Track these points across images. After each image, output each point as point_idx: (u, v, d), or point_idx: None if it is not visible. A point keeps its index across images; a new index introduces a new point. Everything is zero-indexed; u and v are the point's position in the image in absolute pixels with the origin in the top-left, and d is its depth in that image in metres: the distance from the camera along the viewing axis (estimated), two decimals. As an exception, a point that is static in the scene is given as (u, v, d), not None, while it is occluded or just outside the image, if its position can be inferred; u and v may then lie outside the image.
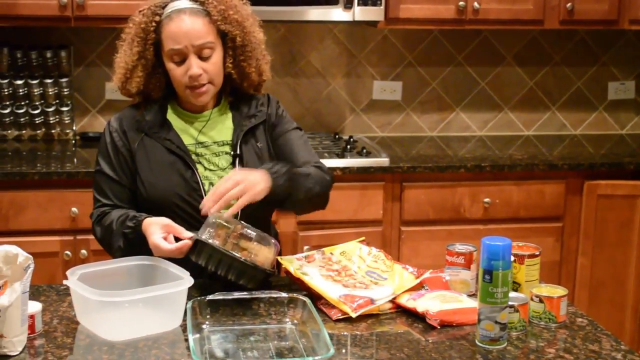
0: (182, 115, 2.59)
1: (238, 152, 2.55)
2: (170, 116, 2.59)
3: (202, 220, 2.36)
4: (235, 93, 2.65)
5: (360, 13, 3.99)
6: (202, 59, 2.47)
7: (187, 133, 2.57)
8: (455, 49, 4.59)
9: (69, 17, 3.89)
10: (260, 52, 2.60)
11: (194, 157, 2.54)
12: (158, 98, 2.59)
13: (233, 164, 2.55)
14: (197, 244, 2.22)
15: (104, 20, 3.92)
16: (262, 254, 2.28)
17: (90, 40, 4.29)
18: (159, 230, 2.31)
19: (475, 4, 4.10)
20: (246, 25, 2.55)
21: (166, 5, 2.51)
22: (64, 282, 2.12)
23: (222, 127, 2.60)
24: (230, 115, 2.62)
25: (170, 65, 2.49)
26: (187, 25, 2.45)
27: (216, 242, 2.24)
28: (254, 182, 2.35)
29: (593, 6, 4.21)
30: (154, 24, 2.49)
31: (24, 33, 4.22)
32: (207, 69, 2.48)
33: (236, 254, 2.22)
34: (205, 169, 2.54)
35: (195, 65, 2.46)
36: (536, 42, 4.65)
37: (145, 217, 2.39)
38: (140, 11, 2.53)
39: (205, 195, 2.47)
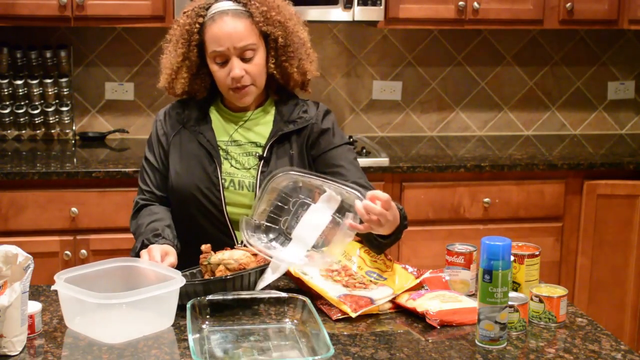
0: (223, 112, 2.62)
1: (266, 154, 2.55)
2: (212, 113, 2.62)
3: (219, 215, 2.47)
4: (281, 92, 2.64)
5: (360, 13, 3.99)
6: (245, 60, 2.49)
7: (224, 130, 2.60)
8: (455, 48, 4.59)
9: (68, 17, 3.89)
10: (304, 51, 2.60)
11: (222, 153, 2.56)
12: (204, 97, 2.62)
13: (258, 165, 2.56)
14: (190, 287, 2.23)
15: (104, 20, 3.92)
16: (238, 255, 2.29)
17: (90, 40, 4.29)
18: (157, 251, 2.35)
19: (475, 3, 4.10)
20: (289, 25, 2.55)
21: (210, 7, 2.52)
22: (52, 287, 2.11)
23: (261, 129, 2.60)
24: (272, 117, 2.62)
25: (214, 67, 2.51)
26: (229, 27, 2.47)
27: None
28: (393, 218, 2.23)
29: (593, 6, 4.21)
30: (197, 25, 2.50)
31: (23, 33, 4.22)
32: (250, 71, 2.49)
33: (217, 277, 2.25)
34: (231, 166, 2.56)
35: (237, 67, 2.47)
36: (536, 42, 4.65)
37: (165, 243, 2.42)
38: (184, 12, 2.55)
39: (223, 191, 2.51)
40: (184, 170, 2.56)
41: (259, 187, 2.51)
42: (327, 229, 2.27)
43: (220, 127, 2.61)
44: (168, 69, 2.58)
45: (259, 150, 2.57)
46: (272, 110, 2.63)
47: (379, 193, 2.17)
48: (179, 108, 2.64)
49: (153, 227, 2.49)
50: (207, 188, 2.53)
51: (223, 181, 2.53)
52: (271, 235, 2.37)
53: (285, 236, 2.35)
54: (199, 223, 2.54)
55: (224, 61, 2.49)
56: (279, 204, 2.36)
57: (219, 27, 2.48)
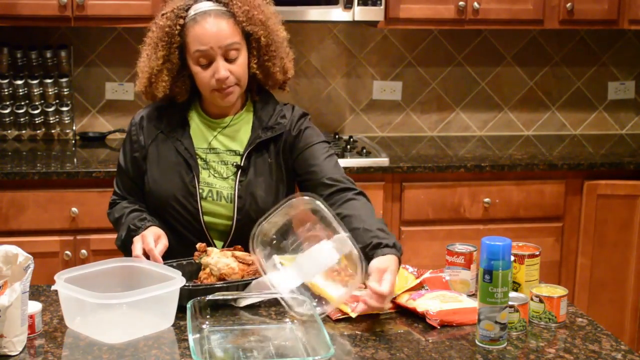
0: (202, 118, 2.59)
1: (243, 163, 2.53)
2: (191, 118, 2.59)
3: (196, 224, 2.48)
4: (261, 92, 2.64)
5: (360, 13, 3.99)
6: (229, 60, 2.47)
7: (202, 137, 2.57)
8: (455, 49, 4.59)
9: (68, 17, 3.89)
10: (283, 50, 2.60)
11: (200, 162, 2.54)
12: (183, 101, 2.59)
13: (236, 175, 2.54)
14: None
15: (104, 20, 3.92)
16: (222, 264, 2.29)
17: (90, 40, 4.29)
18: (150, 237, 2.38)
19: (475, 4, 4.10)
20: (270, 24, 2.54)
21: (189, 8, 2.49)
22: (53, 287, 2.12)
23: (238, 136, 2.58)
24: (250, 124, 2.59)
25: (196, 69, 2.48)
26: (213, 27, 2.45)
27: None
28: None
29: (593, 6, 4.21)
30: (178, 27, 2.47)
31: (24, 33, 4.22)
32: (234, 71, 2.47)
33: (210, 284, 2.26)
34: (210, 175, 2.54)
35: (222, 68, 2.45)
36: (536, 42, 4.65)
37: (152, 225, 2.46)
38: (163, 14, 2.51)
39: (200, 201, 2.51)
40: (162, 178, 2.54)
41: (238, 197, 2.51)
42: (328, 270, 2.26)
43: (199, 133, 2.57)
44: (147, 72, 2.54)
45: (237, 159, 2.55)
46: (251, 116, 2.60)
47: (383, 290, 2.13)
48: (156, 112, 2.61)
49: (135, 215, 2.52)
50: (184, 197, 2.51)
51: (201, 191, 2.52)
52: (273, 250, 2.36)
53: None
54: (176, 229, 2.54)
55: (208, 62, 2.46)
56: (292, 224, 2.34)
57: (203, 27, 2.45)
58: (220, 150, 2.56)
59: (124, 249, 2.52)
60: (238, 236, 2.50)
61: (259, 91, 2.63)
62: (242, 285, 2.27)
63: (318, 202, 2.26)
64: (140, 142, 2.58)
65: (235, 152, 2.56)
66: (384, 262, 2.18)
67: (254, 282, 2.27)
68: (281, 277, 2.23)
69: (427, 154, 4.20)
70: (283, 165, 2.57)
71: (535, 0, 4.17)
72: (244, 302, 2.23)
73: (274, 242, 2.32)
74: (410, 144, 4.42)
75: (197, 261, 2.35)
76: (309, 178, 2.53)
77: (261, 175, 2.54)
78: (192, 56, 2.47)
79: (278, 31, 2.58)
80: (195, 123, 2.59)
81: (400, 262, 2.26)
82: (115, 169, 2.69)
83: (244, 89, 2.54)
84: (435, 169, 3.94)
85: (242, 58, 2.49)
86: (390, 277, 2.14)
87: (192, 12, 2.48)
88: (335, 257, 2.23)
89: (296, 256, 2.28)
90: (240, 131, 2.58)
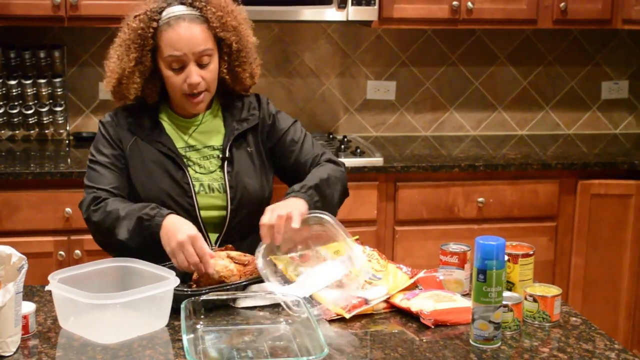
0: (174, 119, 2.60)
1: (227, 155, 2.56)
2: (163, 120, 2.59)
3: (191, 220, 2.40)
4: (227, 95, 2.65)
5: (353, 13, 3.99)
6: (201, 66, 2.47)
7: (178, 136, 2.58)
8: (449, 48, 4.60)
9: (62, 17, 3.88)
10: (252, 55, 2.61)
11: (185, 160, 2.55)
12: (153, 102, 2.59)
13: (222, 167, 2.55)
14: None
15: (98, 20, 3.92)
16: (220, 266, 2.30)
17: (84, 40, 4.29)
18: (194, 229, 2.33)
19: (469, 3, 4.11)
20: (241, 30, 2.55)
21: (162, 10, 2.48)
22: (46, 287, 2.11)
23: (213, 132, 2.60)
24: (221, 119, 2.62)
25: (168, 73, 2.48)
26: (187, 32, 2.45)
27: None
28: (295, 207, 2.37)
29: (586, 6, 4.22)
30: (151, 30, 2.46)
31: (17, 33, 4.21)
32: (205, 77, 2.48)
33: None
34: (196, 172, 2.55)
35: (194, 74, 2.45)
36: (530, 41, 4.65)
37: (170, 213, 2.38)
38: (135, 16, 2.50)
39: (195, 196, 2.50)
40: (149, 180, 2.51)
41: (230, 187, 2.53)
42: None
43: (175, 133, 2.58)
44: (117, 73, 2.52)
45: (217, 153, 2.57)
46: (220, 112, 2.63)
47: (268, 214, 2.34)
48: (126, 115, 2.58)
49: (141, 205, 2.42)
50: (178, 195, 2.50)
51: (193, 186, 2.52)
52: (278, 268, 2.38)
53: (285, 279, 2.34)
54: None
55: (180, 67, 2.46)
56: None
57: (176, 32, 2.44)
58: (198, 147, 2.58)
59: (132, 241, 2.39)
60: (231, 227, 2.54)
61: (224, 95, 2.64)
62: (241, 288, 2.28)
63: (327, 219, 2.37)
64: (120, 145, 2.54)
65: (214, 147, 2.58)
66: (278, 203, 2.39)
67: (254, 286, 2.27)
68: (284, 290, 2.25)
69: (421, 153, 4.20)
70: (263, 153, 2.63)
71: (528, 0, 4.17)
72: (242, 303, 2.23)
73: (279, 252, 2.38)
74: (404, 144, 4.42)
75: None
76: (291, 159, 2.65)
77: (245, 165, 2.58)
78: (164, 60, 2.47)
79: (249, 37, 2.59)
80: (168, 124, 2.59)
81: (306, 204, 2.42)
82: (86, 170, 2.57)
83: (213, 93, 2.56)
84: (429, 169, 3.94)
85: (214, 64, 2.50)
86: (270, 212, 2.33)
87: (165, 15, 2.47)
88: (339, 275, 2.29)
89: (301, 274, 2.32)
90: (214, 127, 2.61)
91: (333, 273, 2.29)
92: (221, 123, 2.61)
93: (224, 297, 2.21)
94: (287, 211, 2.33)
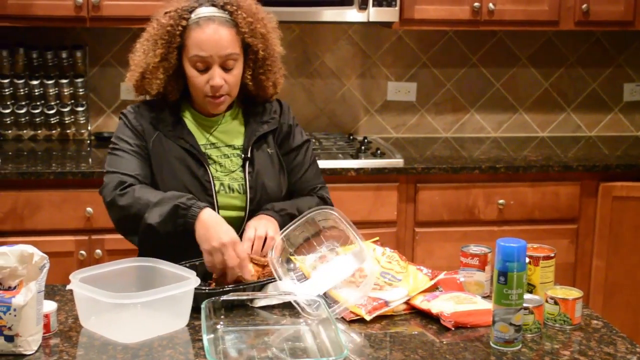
0: (196, 117, 2.60)
1: (249, 155, 2.56)
2: (185, 117, 2.60)
3: None
4: (246, 100, 2.65)
5: (375, 14, 3.99)
6: (225, 69, 2.47)
7: (200, 134, 2.58)
8: (470, 50, 4.58)
9: (84, 17, 3.90)
10: (277, 65, 2.60)
11: (206, 157, 2.55)
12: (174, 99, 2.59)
13: (243, 167, 2.56)
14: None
15: (119, 20, 3.94)
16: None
17: (106, 40, 4.31)
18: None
19: (490, 5, 4.09)
20: (269, 38, 2.55)
21: (193, 10, 2.48)
22: (68, 287, 2.12)
23: (234, 132, 2.60)
24: (241, 121, 2.63)
25: (192, 72, 2.49)
26: (215, 34, 2.45)
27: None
28: (271, 227, 2.45)
29: (608, 7, 4.20)
30: (180, 28, 2.46)
31: (39, 33, 4.24)
32: (228, 80, 2.48)
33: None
34: (217, 170, 2.55)
35: (218, 76, 2.46)
36: (551, 43, 4.63)
37: (207, 206, 2.37)
38: (166, 12, 2.50)
39: (215, 195, 2.51)
40: (171, 175, 2.51)
41: (250, 188, 2.53)
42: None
43: (197, 131, 2.58)
44: (141, 67, 2.54)
45: (237, 152, 2.58)
46: (241, 114, 2.63)
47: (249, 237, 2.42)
48: (148, 109, 2.59)
49: (176, 194, 2.40)
50: (199, 192, 2.50)
51: (214, 185, 2.52)
52: (292, 265, 2.38)
53: (304, 273, 2.35)
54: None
55: (204, 68, 2.47)
56: (310, 236, 2.41)
57: (205, 33, 2.45)
58: (219, 145, 2.58)
59: (162, 226, 2.36)
60: None
61: (245, 100, 2.64)
62: (259, 287, 2.28)
63: (335, 215, 2.36)
64: (144, 132, 2.55)
65: (234, 147, 2.59)
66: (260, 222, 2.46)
67: (270, 285, 2.28)
68: (298, 288, 2.25)
69: (441, 155, 4.20)
70: (280, 156, 2.64)
71: (550, 2, 4.16)
72: (259, 303, 2.24)
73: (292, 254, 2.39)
74: (424, 145, 4.41)
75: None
76: (291, 179, 2.66)
77: (265, 166, 2.58)
78: (189, 59, 2.48)
79: (276, 46, 2.59)
80: (190, 121, 2.59)
81: (275, 221, 2.48)
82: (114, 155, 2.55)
83: (234, 98, 2.56)
84: (450, 170, 3.93)
85: (238, 68, 2.50)
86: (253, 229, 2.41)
87: (195, 15, 2.48)
88: (351, 270, 2.29)
89: (312, 270, 2.32)
90: (235, 127, 2.61)
91: (345, 269, 2.29)
92: (241, 124, 2.62)
93: (244, 297, 2.21)
94: (265, 231, 2.43)
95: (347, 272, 2.29)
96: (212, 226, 2.32)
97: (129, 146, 2.54)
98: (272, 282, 2.29)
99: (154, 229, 2.37)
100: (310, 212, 2.38)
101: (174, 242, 2.36)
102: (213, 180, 2.52)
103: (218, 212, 2.51)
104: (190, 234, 2.35)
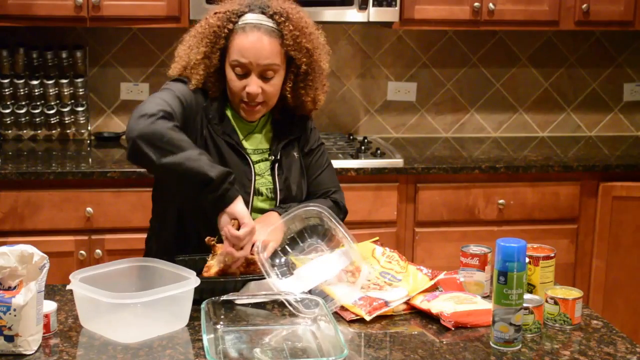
0: (235, 118, 2.57)
1: (278, 157, 2.56)
2: (228, 114, 2.57)
3: None
4: (283, 112, 2.62)
5: (375, 14, 3.99)
6: (264, 79, 2.46)
7: (238, 135, 2.58)
8: (470, 50, 4.58)
9: (84, 17, 3.90)
10: (320, 81, 2.58)
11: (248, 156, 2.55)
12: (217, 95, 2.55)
13: (272, 169, 2.56)
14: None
15: (119, 20, 3.94)
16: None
17: (106, 40, 4.31)
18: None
19: (490, 5, 4.10)
20: (315, 54, 2.52)
21: (242, 14, 2.47)
22: (68, 287, 2.13)
23: (261, 136, 2.60)
24: (270, 124, 2.62)
25: (231, 75, 2.48)
26: (258, 42, 2.44)
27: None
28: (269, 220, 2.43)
29: (608, 7, 4.20)
30: (226, 30, 2.46)
31: (39, 33, 4.24)
32: (266, 90, 2.47)
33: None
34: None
35: (254, 84, 2.45)
36: (551, 43, 4.63)
37: (239, 195, 2.31)
38: (215, 13, 2.50)
39: (252, 195, 2.51)
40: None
41: (279, 190, 2.53)
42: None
43: (238, 130, 2.59)
44: (184, 60, 2.53)
45: (265, 156, 2.57)
46: (270, 117, 2.62)
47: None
48: (203, 94, 2.53)
49: (222, 167, 2.30)
50: (240, 187, 2.44)
51: (255, 182, 2.52)
52: (276, 261, 2.38)
53: (288, 268, 2.36)
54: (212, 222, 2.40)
55: (243, 73, 2.46)
56: (296, 235, 2.42)
57: (248, 40, 2.44)
58: (250, 150, 2.57)
59: (200, 176, 2.24)
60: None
61: (282, 111, 2.62)
62: (241, 282, 2.29)
63: (325, 213, 2.35)
64: (199, 104, 2.47)
65: (262, 151, 2.58)
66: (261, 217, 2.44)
67: (252, 283, 2.28)
68: (286, 284, 2.25)
69: (441, 155, 4.20)
70: (302, 159, 2.64)
71: (550, 2, 4.16)
72: (242, 301, 2.23)
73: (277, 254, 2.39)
74: (424, 145, 4.41)
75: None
76: (307, 179, 2.65)
77: (292, 170, 2.59)
78: (230, 63, 2.48)
79: (321, 62, 2.56)
80: (232, 121, 2.58)
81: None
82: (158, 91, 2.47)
83: (270, 108, 2.54)
84: (450, 170, 3.93)
85: (278, 79, 2.49)
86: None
87: (243, 20, 2.47)
88: (337, 270, 2.29)
89: (299, 268, 2.33)
90: (262, 132, 2.60)
91: (331, 267, 2.29)
92: (269, 128, 2.61)
93: (244, 297, 2.21)
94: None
95: (334, 271, 2.28)
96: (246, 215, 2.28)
97: (179, 97, 2.43)
98: (257, 279, 2.29)
99: (185, 169, 2.24)
100: (298, 209, 2.37)
101: (180, 188, 2.28)
102: (255, 178, 2.51)
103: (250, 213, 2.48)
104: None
